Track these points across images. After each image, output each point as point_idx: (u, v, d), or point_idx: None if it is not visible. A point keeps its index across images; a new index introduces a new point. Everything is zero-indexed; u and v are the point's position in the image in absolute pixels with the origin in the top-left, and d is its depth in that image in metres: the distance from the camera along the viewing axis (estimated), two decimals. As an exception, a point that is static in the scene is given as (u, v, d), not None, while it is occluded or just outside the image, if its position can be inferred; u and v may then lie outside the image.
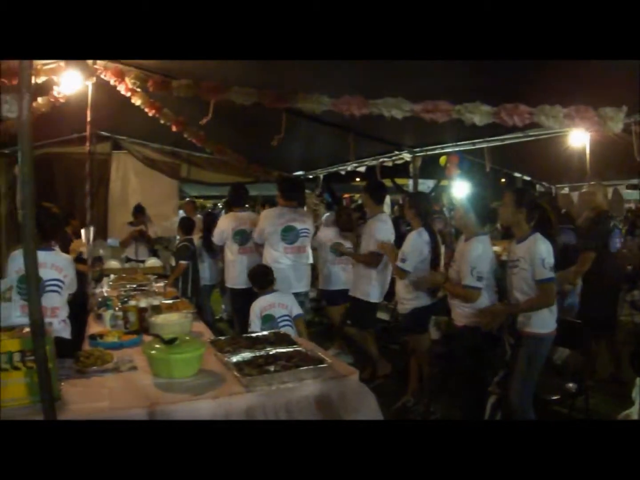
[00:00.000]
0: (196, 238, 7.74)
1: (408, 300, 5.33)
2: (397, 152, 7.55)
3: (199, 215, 9.39)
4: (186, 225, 7.68)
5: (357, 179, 19.70)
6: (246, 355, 3.33)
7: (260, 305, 4.97)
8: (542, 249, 4.07)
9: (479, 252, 4.43)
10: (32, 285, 1.90)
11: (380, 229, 6.03)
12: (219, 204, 22.61)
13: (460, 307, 4.57)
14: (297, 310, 5.05)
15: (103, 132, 9.03)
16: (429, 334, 5.57)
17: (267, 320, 4.91)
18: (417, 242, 5.23)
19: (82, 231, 6.11)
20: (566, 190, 9.64)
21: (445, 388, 5.46)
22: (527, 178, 9.46)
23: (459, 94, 4.25)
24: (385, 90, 4.41)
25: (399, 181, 17.22)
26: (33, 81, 1.98)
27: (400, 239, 6.02)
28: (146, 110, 6.01)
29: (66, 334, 4.48)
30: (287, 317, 4.96)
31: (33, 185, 1.88)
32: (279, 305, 4.97)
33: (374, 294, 6.15)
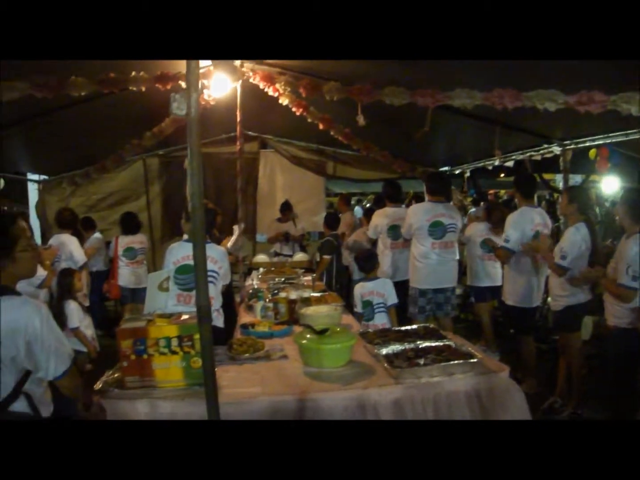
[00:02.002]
0: (361, 233, 7.78)
1: (562, 297, 5.08)
2: (545, 146, 7.24)
3: (357, 207, 9.45)
4: (331, 221, 7.81)
5: (502, 175, 19.17)
6: (396, 347, 3.37)
7: (361, 291, 5.10)
8: None
9: (636, 250, 4.18)
10: (201, 273, 2.02)
11: (511, 222, 5.72)
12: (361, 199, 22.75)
13: (614, 306, 4.37)
14: (392, 299, 5.10)
15: (250, 132, 9.36)
16: (580, 333, 5.33)
17: (366, 305, 5.03)
18: (576, 237, 4.95)
19: (235, 227, 6.40)
20: None
21: (595, 391, 5.20)
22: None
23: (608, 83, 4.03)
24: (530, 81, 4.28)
25: (546, 176, 16.52)
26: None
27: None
28: (293, 109, 6.14)
29: (219, 322, 4.72)
30: (382, 305, 5.04)
31: (201, 178, 2.00)
32: (377, 293, 5.05)
33: (527, 299, 5.79)
